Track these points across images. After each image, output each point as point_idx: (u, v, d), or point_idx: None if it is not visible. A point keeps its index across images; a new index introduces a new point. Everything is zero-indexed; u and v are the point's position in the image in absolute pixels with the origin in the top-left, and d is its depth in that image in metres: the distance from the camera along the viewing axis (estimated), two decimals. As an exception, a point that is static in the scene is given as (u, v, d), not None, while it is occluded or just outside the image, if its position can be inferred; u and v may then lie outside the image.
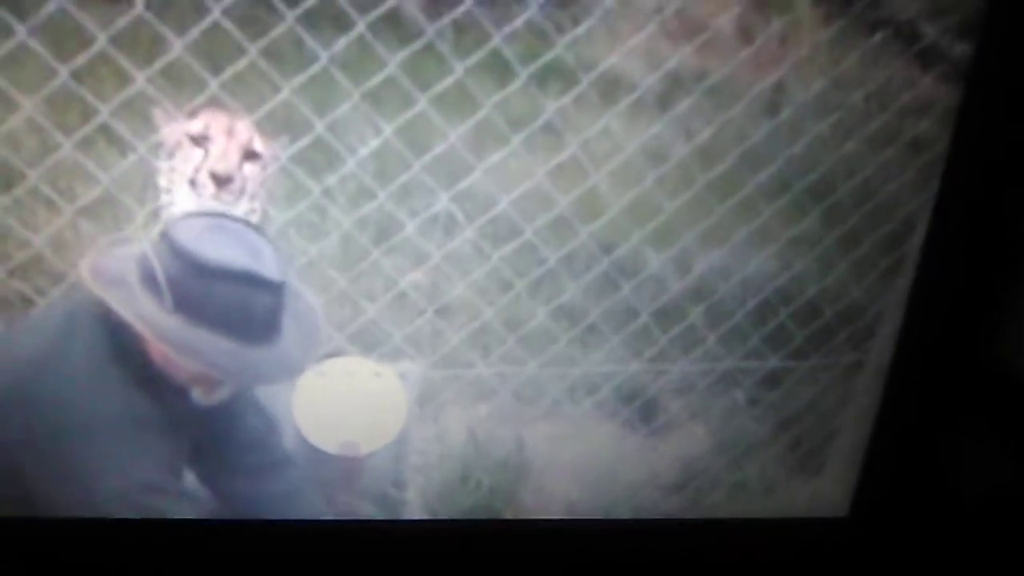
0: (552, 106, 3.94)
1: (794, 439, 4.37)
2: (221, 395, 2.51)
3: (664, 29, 4.79)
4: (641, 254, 4.42)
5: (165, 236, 2.25)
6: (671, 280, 4.28)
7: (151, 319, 2.15)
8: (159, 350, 2.26)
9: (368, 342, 3.74)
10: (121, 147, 3.72)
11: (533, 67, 3.77)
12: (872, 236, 4.31)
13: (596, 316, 4.12)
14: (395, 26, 4.27)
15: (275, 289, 2.30)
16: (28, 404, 2.21)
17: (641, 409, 4.28)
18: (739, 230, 4.26)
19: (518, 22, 3.73)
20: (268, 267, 2.34)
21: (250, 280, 2.24)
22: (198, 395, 2.41)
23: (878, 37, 6.32)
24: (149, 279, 2.20)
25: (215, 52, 3.61)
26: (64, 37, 3.52)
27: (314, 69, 3.45)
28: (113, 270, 2.26)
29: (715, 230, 4.22)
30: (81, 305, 2.34)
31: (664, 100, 4.60)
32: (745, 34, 5.13)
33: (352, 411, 3.26)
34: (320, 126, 3.49)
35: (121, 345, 2.26)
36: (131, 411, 2.29)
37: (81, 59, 3.21)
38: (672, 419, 4.34)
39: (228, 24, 3.19)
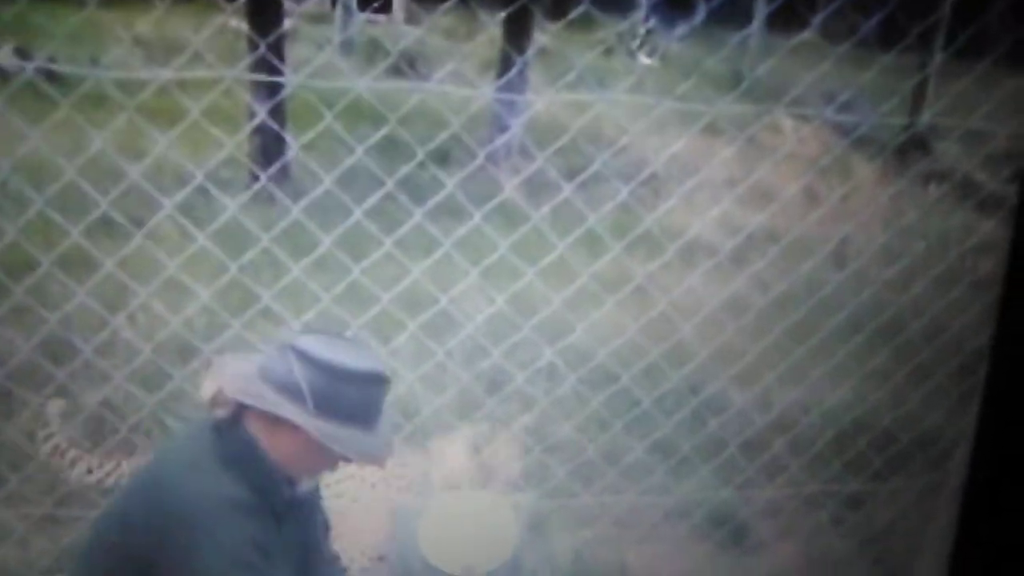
0: (641, 270, 4.35)
1: (878, 557, 4.51)
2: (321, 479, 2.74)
3: (738, 198, 5.15)
4: (726, 393, 4.77)
5: (299, 352, 2.39)
6: (755, 415, 4.59)
7: (290, 414, 2.35)
8: (287, 443, 2.41)
9: (484, 478, 4.10)
10: (276, 322, 4.27)
11: (623, 239, 4.11)
12: (943, 367, 4.52)
13: (687, 449, 4.41)
14: (504, 214, 4.78)
15: (385, 381, 2.60)
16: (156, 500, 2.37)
17: (732, 531, 4.49)
18: (816, 368, 4.56)
19: (608, 206, 4.12)
20: (379, 364, 2.54)
21: (369, 377, 2.44)
22: (305, 482, 2.58)
23: (935, 189, 6.60)
24: (289, 386, 2.37)
25: (357, 244, 4.16)
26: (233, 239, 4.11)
27: (438, 254, 3.88)
28: (252, 389, 2.39)
29: (794, 369, 4.52)
30: (207, 420, 2.48)
31: (740, 259, 4.95)
32: (811, 197, 5.51)
33: (471, 538, 3.46)
34: (443, 300, 3.89)
35: (239, 446, 2.41)
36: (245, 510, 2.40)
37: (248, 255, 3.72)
38: (762, 540, 4.55)
39: (366, 221, 3.64)
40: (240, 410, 2.44)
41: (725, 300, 4.37)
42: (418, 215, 3.62)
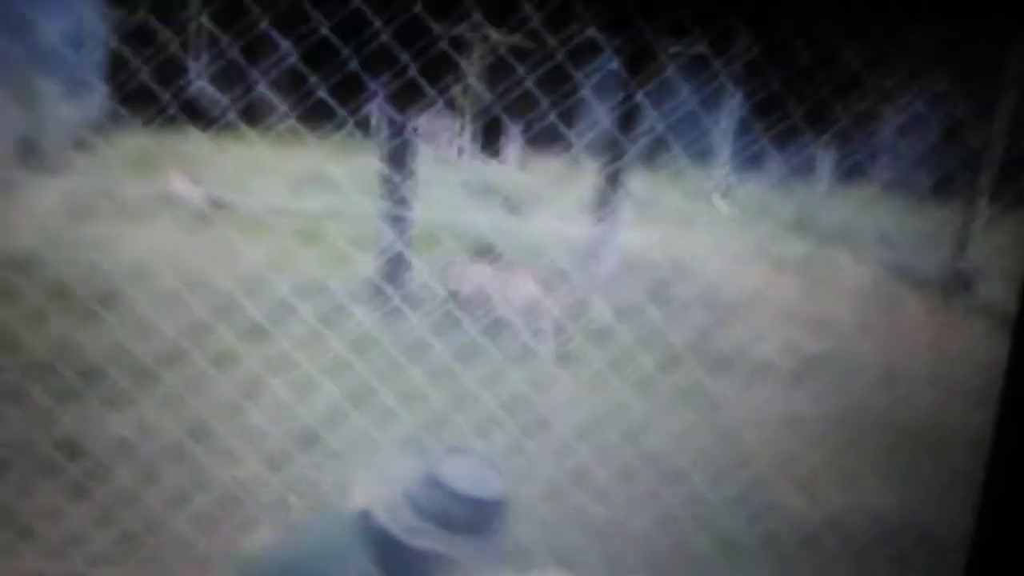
0: (714, 385, 4.80)
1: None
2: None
3: (801, 325, 5.61)
4: (784, 495, 5.08)
5: (439, 484, 2.56)
6: (810, 514, 4.97)
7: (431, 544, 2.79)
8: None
9: (565, 561, 4.44)
10: (391, 416, 4.75)
11: (700, 357, 4.58)
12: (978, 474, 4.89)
13: (749, 542, 4.79)
14: (597, 333, 5.25)
15: (503, 504, 2.87)
16: None
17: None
18: (866, 475, 4.95)
19: (688, 329, 4.61)
20: (500, 490, 2.69)
21: (489, 504, 2.62)
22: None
23: (977, 322, 6.96)
24: (434, 516, 2.55)
25: (469, 354, 4.66)
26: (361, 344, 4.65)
27: (538, 365, 4.39)
28: (401, 517, 2.55)
29: (846, 475, 4.92)
30: (345, 518, 2.66)
31: (801, 378, 5.38)
32: (864, 327, 5.95)
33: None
34: (540, 405, 4.38)
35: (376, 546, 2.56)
36: None
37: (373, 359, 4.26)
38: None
39: (480, 337, 4.16)
40: None
41: (786, 414, 4.80)
42: (526, 333, 4.16)
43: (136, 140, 4.17)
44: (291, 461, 4.64)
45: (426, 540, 2.56)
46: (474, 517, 2.61)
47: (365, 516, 2.61)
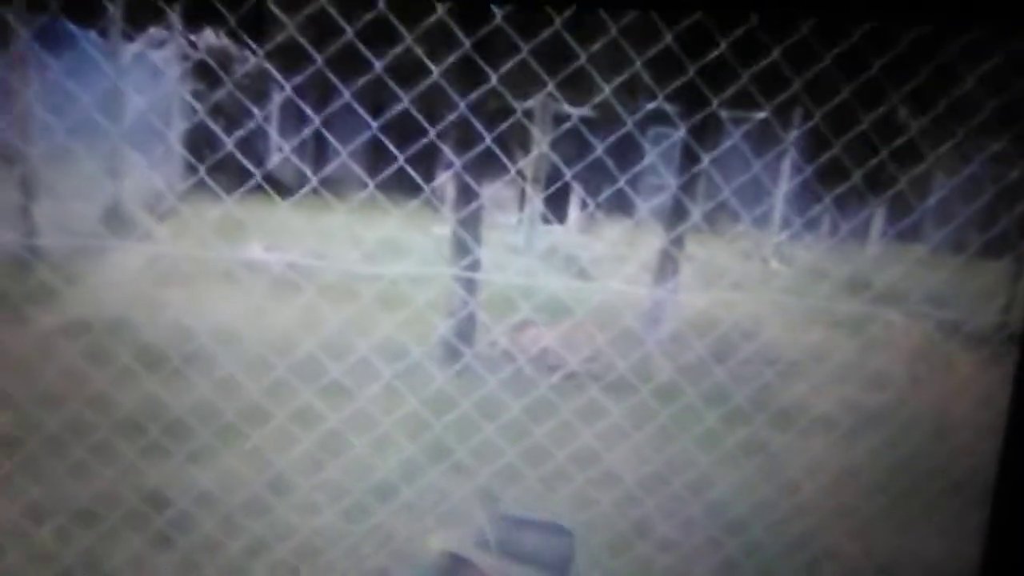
0: (776, 439, 4.96)
1: None
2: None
3: (858, 382, 5.77)
4: (840, 544, 5.23)
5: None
6: (863, 562, 5.11)
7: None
8: None
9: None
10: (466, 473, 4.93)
11: (762, 412, 4.74)
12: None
13: None
14: (662, 391, 5.42)
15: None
16: None
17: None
18: (920, 524, 5.15)
19: (751, 386, 4.79)
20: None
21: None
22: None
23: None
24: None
25: (540, 411, 4.84)
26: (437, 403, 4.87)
27: (605, 421, 4.57)
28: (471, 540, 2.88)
29: (900, 524, 5.06)
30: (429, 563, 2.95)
31: (858, 432, 5.51)
32: (918, 383, 6.10)
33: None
34: (606, 458, 4.56)
35: None
36: None
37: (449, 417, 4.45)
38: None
39: (550, 394, 4.31)
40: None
41: (843, 465, 4.95)
42: (593, 390, 4.34)
43: (218, 209, 4.39)
44: (368, 513, 4.83)
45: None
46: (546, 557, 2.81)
47: (447, 556, 2.79)
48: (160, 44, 11.04)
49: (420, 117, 4.01)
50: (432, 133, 4.00)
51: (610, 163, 4.05)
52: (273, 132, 12.57)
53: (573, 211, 13.18)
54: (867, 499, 5.12)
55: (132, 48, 10.21)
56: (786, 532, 5.01)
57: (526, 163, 10.90)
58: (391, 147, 4.05)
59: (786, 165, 11.78)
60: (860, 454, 5.33)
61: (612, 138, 4.00)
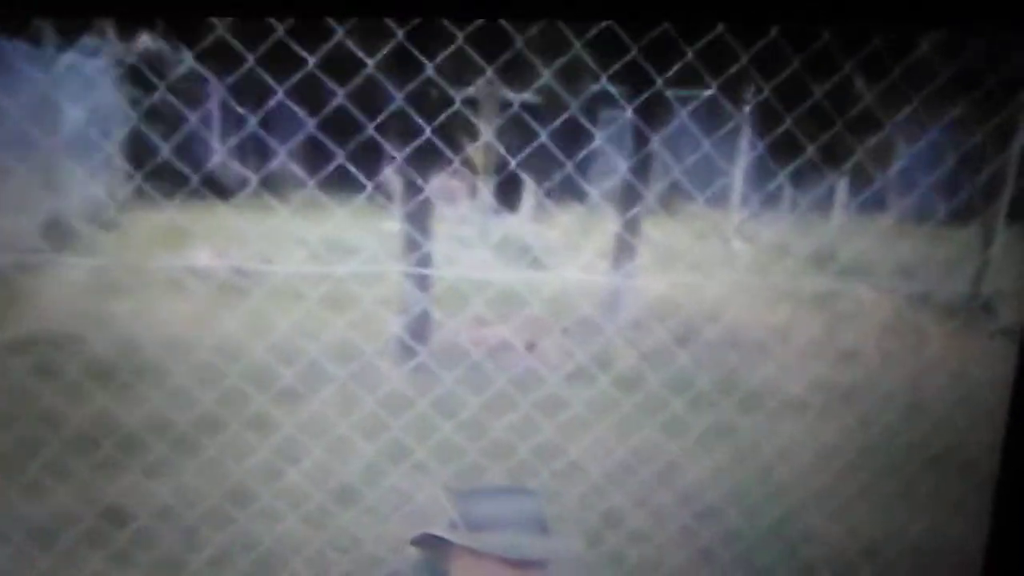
0: (744, 422, 4.86)
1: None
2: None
3: (826, 360, 5.69)
4: (817, 526, 5.09)
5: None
6: (843, 544, 5.02)
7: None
8: None
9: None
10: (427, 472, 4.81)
11: (729, 396, 4.64)
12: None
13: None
14: (623, 378, 5.32)
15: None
16: None
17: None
18: (898, 502, 5.03)
19: (714, 369, 4.67)
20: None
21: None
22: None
23: (1000, 346, 6.98)
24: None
25: (498, 405, 4.73)
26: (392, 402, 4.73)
27: (568, 413, 4.44)
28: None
29: (877, 504, 4.97)
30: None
31: (829, 411, 5.45)
32: (888, 358, 6.01)
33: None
34: (572, 451, 4.44)
35: None
36: None
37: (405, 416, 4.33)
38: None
39: (509, 387, 4.20)
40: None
41: (818, 446, 4.85)
42: (553, 382, 4.23)
43: (161, 216, 4.27)
44: (331, 518, 4.71)
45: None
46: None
47: (423, 540, 2.68)
48: (94, 52, 10.89)
49: (356, 111, 3.90)
50: (371, 127, 3.90)
51: (558, 149, 3.93)
52: (214, 134, 12.41)
53: (525, 200, 13.07)
54: (844, 479, 4.88)
55: (65, 59, 10.06)
56: (763, 517, 4.92)
57: (474, 153, 10.80)
58: (329, 144, 3.94)
59: (742, 142, 11.66)
60: (834, 433, 5.22)
61: (556, 122, 3.86)
